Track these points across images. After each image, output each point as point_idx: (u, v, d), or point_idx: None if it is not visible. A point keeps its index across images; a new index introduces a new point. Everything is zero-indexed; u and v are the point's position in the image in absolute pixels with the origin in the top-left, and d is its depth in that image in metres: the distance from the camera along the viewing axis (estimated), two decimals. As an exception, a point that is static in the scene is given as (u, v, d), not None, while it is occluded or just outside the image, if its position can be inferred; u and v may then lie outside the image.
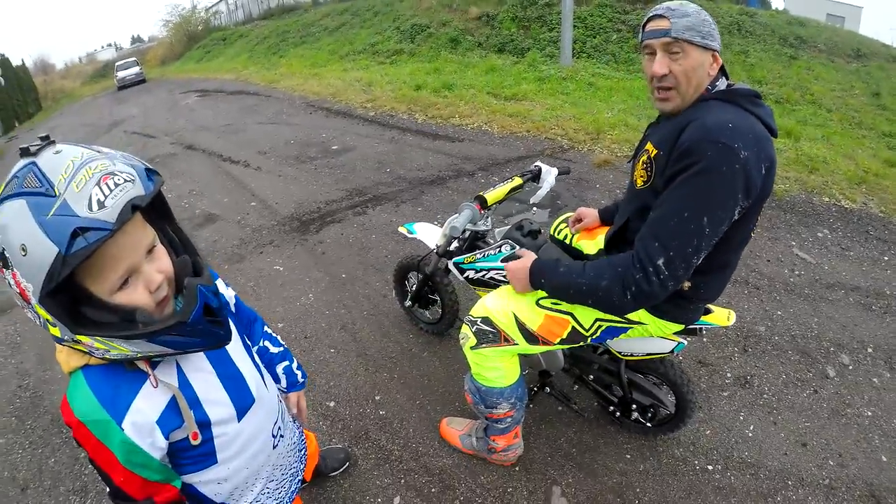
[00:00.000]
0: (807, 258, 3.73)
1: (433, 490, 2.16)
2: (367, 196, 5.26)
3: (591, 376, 2.21)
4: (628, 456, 2.24)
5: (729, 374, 2.68)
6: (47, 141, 0.78)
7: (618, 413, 2.22)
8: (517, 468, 2.20)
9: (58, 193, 0.73)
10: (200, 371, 1.06)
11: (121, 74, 24.76)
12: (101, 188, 0.75)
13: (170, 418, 0.96)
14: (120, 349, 0.85)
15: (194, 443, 1.01)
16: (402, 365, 2.85)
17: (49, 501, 2.36)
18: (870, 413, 2.45)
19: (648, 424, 2.17)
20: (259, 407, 1.19)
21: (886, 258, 3.75)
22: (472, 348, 1.87)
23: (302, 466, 1.49)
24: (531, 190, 2.29)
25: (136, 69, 25.17)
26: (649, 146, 1.51)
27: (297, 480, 1.44)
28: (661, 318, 1.66)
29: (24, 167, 0.75)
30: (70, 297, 0.80)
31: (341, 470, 2.21)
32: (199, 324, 0.89)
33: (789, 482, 2.12)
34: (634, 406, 2.13)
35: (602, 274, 1.44)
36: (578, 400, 2.44)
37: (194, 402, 1.01)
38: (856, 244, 3.93)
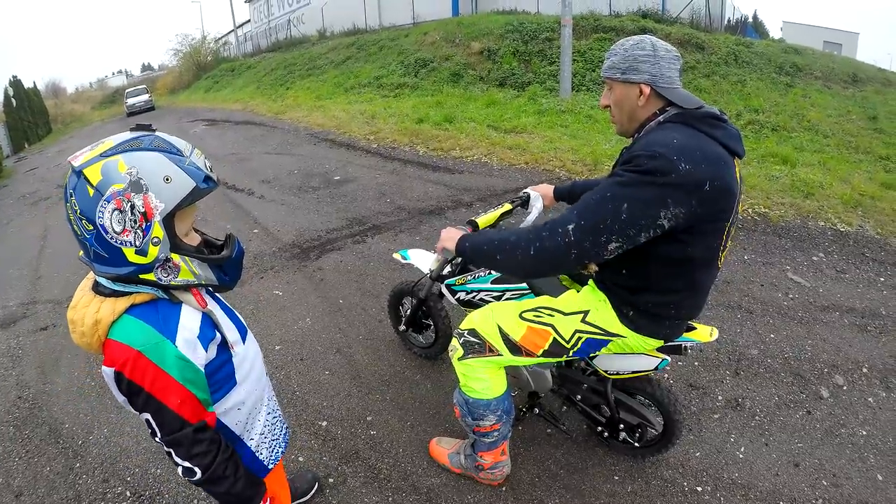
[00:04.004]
0: (801, 282, 3.75)
1: (420, 509, 2.16)
2: (367, 225, 5.34)
3: (580, 397, 2.23)
4: (616, 477, 2.24)
5: (720, 397, 2.68)
6: (154, 128, 1.14)
7: (606, 433, 2.23)
8: (504, 488, 2.20)
9: (186, 155, 1.11)
10: (213, 306, 1.32)
11: (130, 101, 25.39)
12: (207, 162, 1.16)
13: (206, 331, 1.23)
14: (190, 272, 1.17)
15: (233, 350, 1.31)
16: (395, 387, 2.88)
17: (42, 509, 2.39)
18: (864, 432, 2.45)
19: (636, 444, 2.18)
20: (249, 336, 1.47)
21: (882, 279, 3.77)
22: (459, 359, 1.93)
23: (283, 416, 1.69)
24: (520, 216, 2.34)
25: (145, 96, 25.80)
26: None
27: (285, 427, 1.65)
28: (637, 332, 1.69)
29: (147, 135, 1.10)
30: (172, 227, 1.12)
31: (310, 495, 2.21)
32: (235, 263, 1.29)
33: (781, 503, 2.11)
34: (622, 426, 2.15)
35: (515, 232, 1.53)
36: (567, 421, 2.44)
37: (216, 325, 1.28)
38: (851, 266, 3.95)
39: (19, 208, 9.10)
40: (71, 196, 1.04)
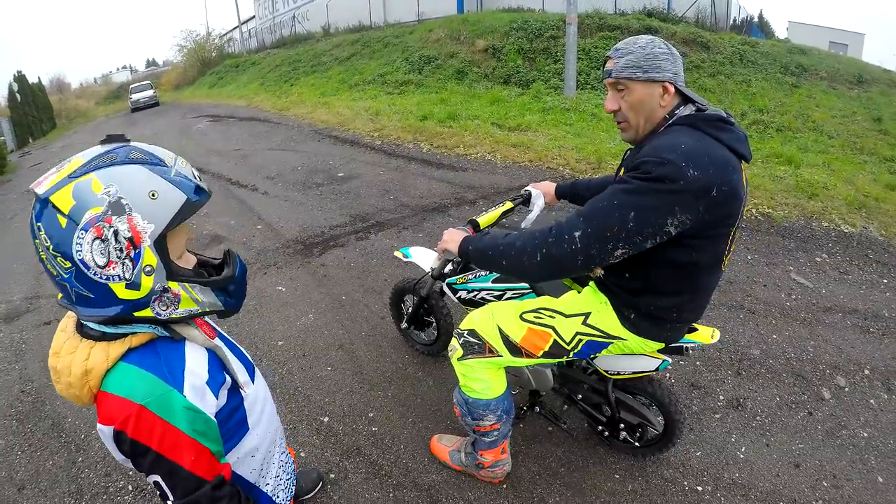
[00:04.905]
0: (804, 282, 3.74)
1: (421, 505, 2.17)
2: (370, 222, 5.35)
3: (581, 396, 2.23)
4: (617, 476, 2.24)
5: (721, 397, 2.68)
6: (128, 138, 1.01)
7: (607, 433, 2.23)
8: (505, 486, 2.21)
9: (170, 166, 0.97)
10: (219, 342, 1.20)
11: (135, 97, 25.45)
12: (194, 171, 1.02)
13: (215, 375, 1.09)
14: (193, 300, 1.03)
15: (243, 392, 1.19)
16: (397, 384, 2.89)
17: (45, 502, 2.41)
18: (866, 434, 2.45)
19: (637, 444, 2.18)
20: (257, 373, 1.34)
21: (886, 281, 3.76)
22: (458, 359, 1.93)
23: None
24: (522, 214, 2.34)
25: (149, 92, 25.82)
26: (622, 171, 1.59)
27: (291, 459, 1.53)
28: (638, 335, 1.69)
29: (122, 147, 0.95)
30: (166, 250, 0.97)
31: (315, 491, 2.23)
32: (240, 280, 1.14)
33: (781, 503, 2.11)
34: (623, 425, 2.15)
35: (520, 237, 1.50)
36: (568, 420, 2.44)
37: (223, 365, 1.16)
38: (855, 268, 3.94)
39: (23, 203, 9.13)
40: (39, 230, 0.88)
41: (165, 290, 0.97)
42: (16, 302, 4.65)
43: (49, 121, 30.58)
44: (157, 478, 0.97)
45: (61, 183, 0.87)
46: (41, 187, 0.88)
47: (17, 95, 29.25)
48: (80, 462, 2.60)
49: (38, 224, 0.88)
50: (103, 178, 0.88)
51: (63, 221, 0.87)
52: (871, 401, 2.65)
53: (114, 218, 0.88)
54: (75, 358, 0.97)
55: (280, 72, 21.06)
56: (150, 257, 0.93)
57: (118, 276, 0.91)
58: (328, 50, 20.01)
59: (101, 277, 0.90)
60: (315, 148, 8.98)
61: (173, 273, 0.98)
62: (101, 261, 0.89)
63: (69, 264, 0.89)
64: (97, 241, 0.88)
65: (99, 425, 0.96)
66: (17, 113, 28.37)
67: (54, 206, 0.87)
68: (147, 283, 0.94)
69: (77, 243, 0.87)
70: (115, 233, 0.88)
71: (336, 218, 5.57)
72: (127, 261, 0.91)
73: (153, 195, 0.91)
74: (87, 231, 0.87)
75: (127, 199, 0.89)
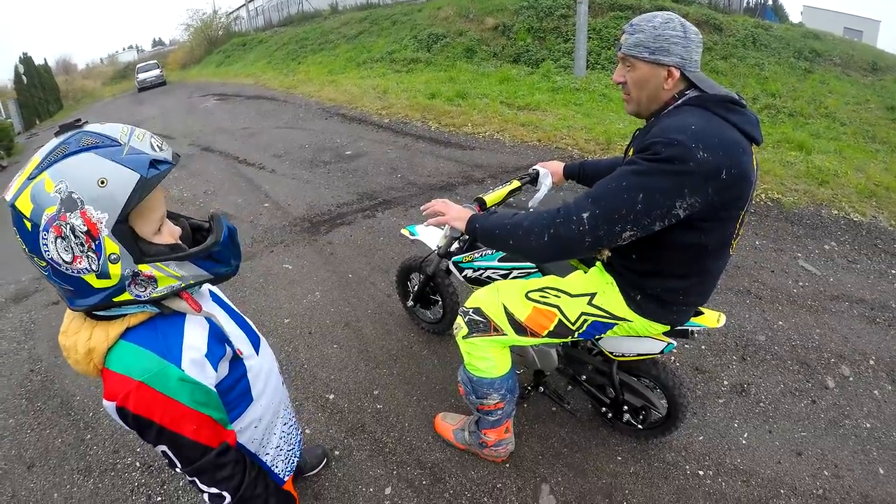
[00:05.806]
0: (812, 270, 3.71)
1: (424, 482, 2.20)
2: (378, 200, 5.34)
3: (585, 377, 2.24)
4: (619, 458, 2.26)
5: (725, 382, 2.68)
6: (83, 121, 0.96)
7: (610, 414, 2.24)
8: (508, 465, 2.24)
9: (123, 143, 0.92)
10: (217, 311, 1.21)
11: (141, 76, 25.36)
12: (154, 140, 0.97)
13: (214, 347, 1.11)
14: (171, 277, 1.01)
15: (241, 356, 1.20)
16: (402, 362, 2.91)
17: (54, 479, 2.44)
18: (868, 425, 2.44)
19: (640, 426, 2.19)
20: (264, 345, 1.38)
21: (894, 271, 3.72)
22: (463, 338, 1.94)
23: (297, 422, 1.62)
24: (529, 193, 2.33)
25: (156, 71, 25.74)
26: (630, 151, 1.58)
27: (298, 433, 1.57)
28: (644, 316, 1.69)
29: (73, 135, 0.92)
30: (130, 233, 0.95)
31: (319, 468, 2.26)
32: (227, 246, 1.10)
33: (781, 491, 2.12)
34: (626, 407, 2.15)
35: (527, 217, 1.50)
36: (572, 400, 2.46)
37: (224, 337, 1.17)
38: (863, 257, 3.91)
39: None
40: (16, 234, 0.91)
41: (136, 273, 0.96)
42: (24, 282, 4.68)
43: (56, 102, 30.63)
44: (164, 448, 1.02)
45: (22, 187, 0.88)
46: (8, 194, 0.90)
47: (24, 77, 29.27)
48: (89, 439, 2.63)
49: (14, 229, 0.91)
50: (54, 176, 0.87)
51: (28, 225, 0.88)
52: (875, 392, 2.64)
53: (68, 214, 0.88)
54: (79, 337, 1.01)
55: (287, 50, 20.87)
56: (111, 246, 0.92)
57: (86, 268, 0.92)
58: (336, 28, 19.80)
59: (72, 272, 0.92)
60: (322, 126, 8.92)
61: (144, 254, 0.97)
62: (67, 257, 0.90)
63: (44, 263, 0.92)
64: (59, 240, 0.89)
65: (104, 401, 0.99)
66: (23, 95, 28.45)
67: (19, 212, 0.88)
68: (115, 270, 0.94)
69: (43, 244, 0.89)
70: (72, 228, 0.88)
71: (343, 196, 5.56)
72: (90, 253, 0.91)
73: (102, 183, 0.88)
74: (48, 231, 0.88)
75: (77, 193, 0.87)
